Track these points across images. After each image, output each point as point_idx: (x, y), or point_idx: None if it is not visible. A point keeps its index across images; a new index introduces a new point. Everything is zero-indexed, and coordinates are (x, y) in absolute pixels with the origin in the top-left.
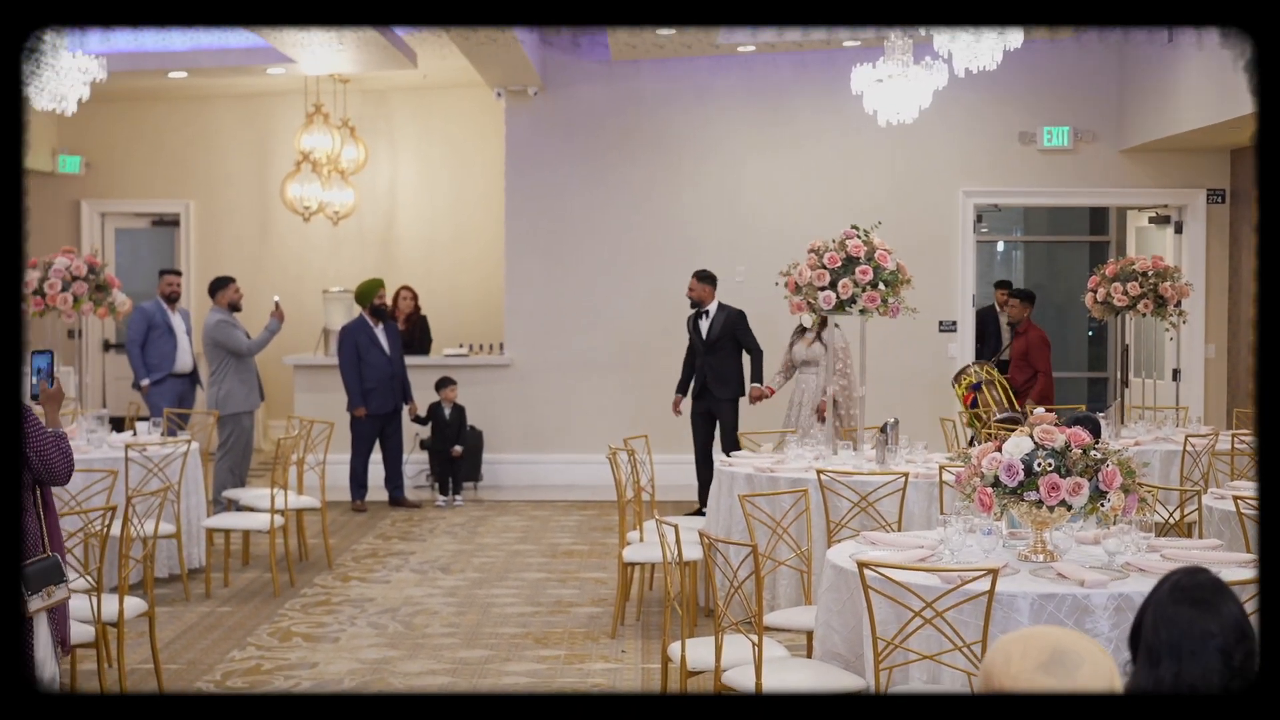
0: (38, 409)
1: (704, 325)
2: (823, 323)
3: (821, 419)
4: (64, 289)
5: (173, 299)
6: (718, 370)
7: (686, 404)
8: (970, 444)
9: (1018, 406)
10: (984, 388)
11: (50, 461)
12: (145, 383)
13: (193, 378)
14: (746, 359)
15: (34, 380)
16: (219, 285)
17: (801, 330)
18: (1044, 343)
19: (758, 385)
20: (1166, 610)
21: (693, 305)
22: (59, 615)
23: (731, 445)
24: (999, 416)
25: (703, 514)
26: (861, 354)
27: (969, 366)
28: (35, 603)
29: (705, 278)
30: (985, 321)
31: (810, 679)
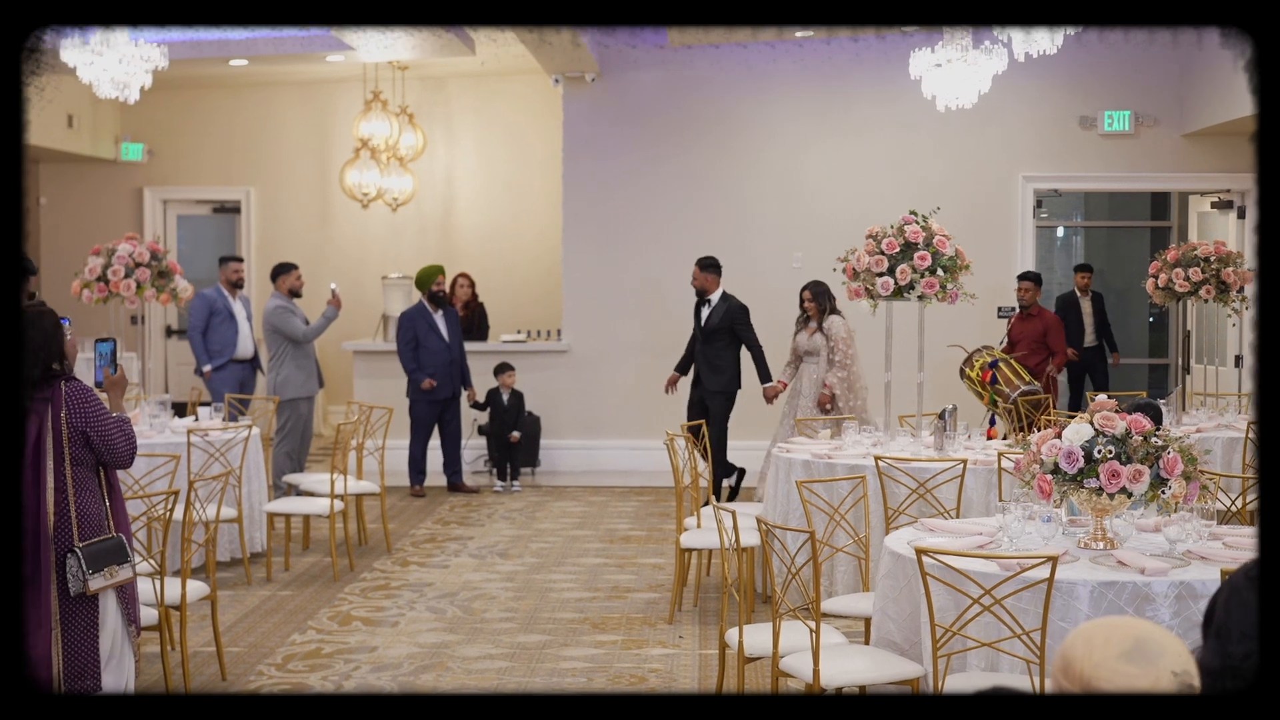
0: (102, 394)
1: (704, 313)
2: (821, 313)
3: (824, 410)
4: (127, 275)
5: (237, 285)
6: (712, 361)
7: (684, 389)
8: (991, 422)
9: (1035, 380)
10: (1000, 365)
11: (113, 445)
12: (207, 369)
13: (253, 363)
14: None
15: (98, 367)
16: (280, 271)
17: (805, 320)
18: (1060, 324)
19: (769, 384)
20: (1242, 595)
21: (699, 295)
22: (129, 595)
23: (719, 440)
24: (1022, 389)
25: (735, 483)
26: (920, 340)
27: (975, 352)
28: (97, 581)
29: (708, 265)
30: (1066, 308)
31: (868, 666)
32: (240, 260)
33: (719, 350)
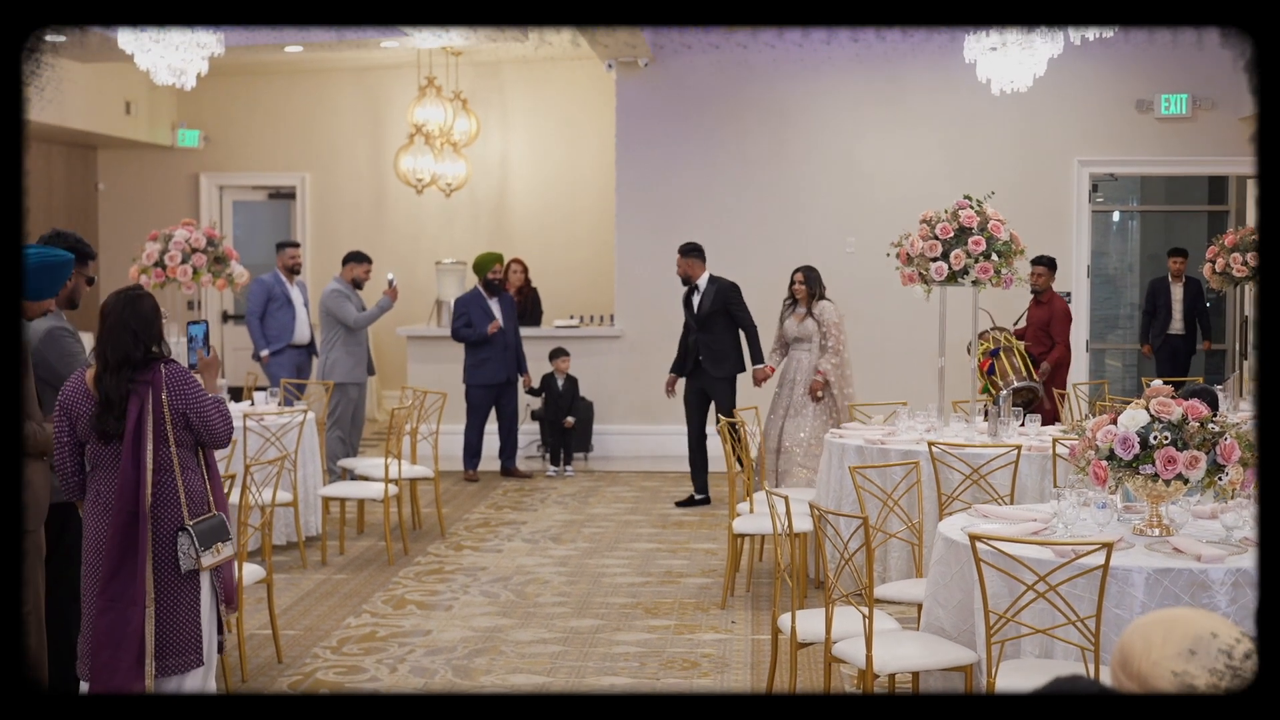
0: (197, 376)
1: (695, 301)
2: (811, 298)
3: (816, 398)
4: (184, 261)
5: (294, 271)
6: (712, 347)
7: (680, 385)
8: (984, 411)
9: (1035, 376)
10: (1002, 354)
11: (212, 425)
12: (265, 354)
13: (310, 349)
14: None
15: (190, 349)
16: (351, 259)
17: (792, 305)
18: (1067, 315)
19: (760, 366)
20: None
21: (684, 282)
22: (224, 573)
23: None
24: (1015, 385)
25: (696, 502)
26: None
27: (989, 331)
28: (208, 558)
29: (690, 251)
30: (1156, 293)
31: (921, 652)
32: (297, 245)
33: (718, 335)
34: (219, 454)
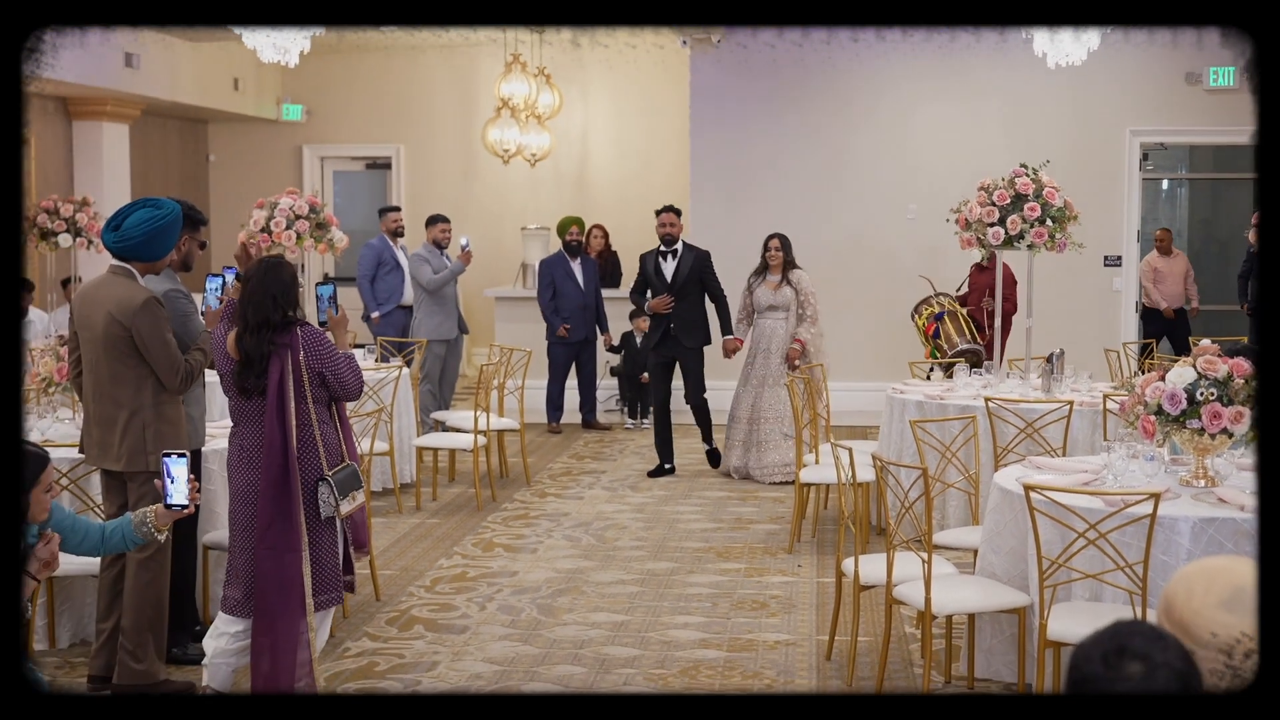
0: (328, 334)
1: (669, 267)
2: (786, 265)
3: (793, 367)
4: (288, 227)
5: (398, 234)
6: (685, 317)
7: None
8: (930, 372)
9: (979, 339)
10: (946, 319)
11: (345, 381)
12: (375, 315)
13: (414, 309)
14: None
15: (320, 309)
16: (429, 222)
17: (763, 273)
18: (1013, 278)
19: (730, 337)
20: None
21: (667, 243)
22: (357, 520)
23: (699, 395)
24: (961, 347)
25: (665, 471)
26: (1029, 288)
27: (931, 297)
28: (345, 505)
29: (676, 210)
30: (1251, 257)
31: (977, 595)
32: (398, 210)
33: (691, 304)
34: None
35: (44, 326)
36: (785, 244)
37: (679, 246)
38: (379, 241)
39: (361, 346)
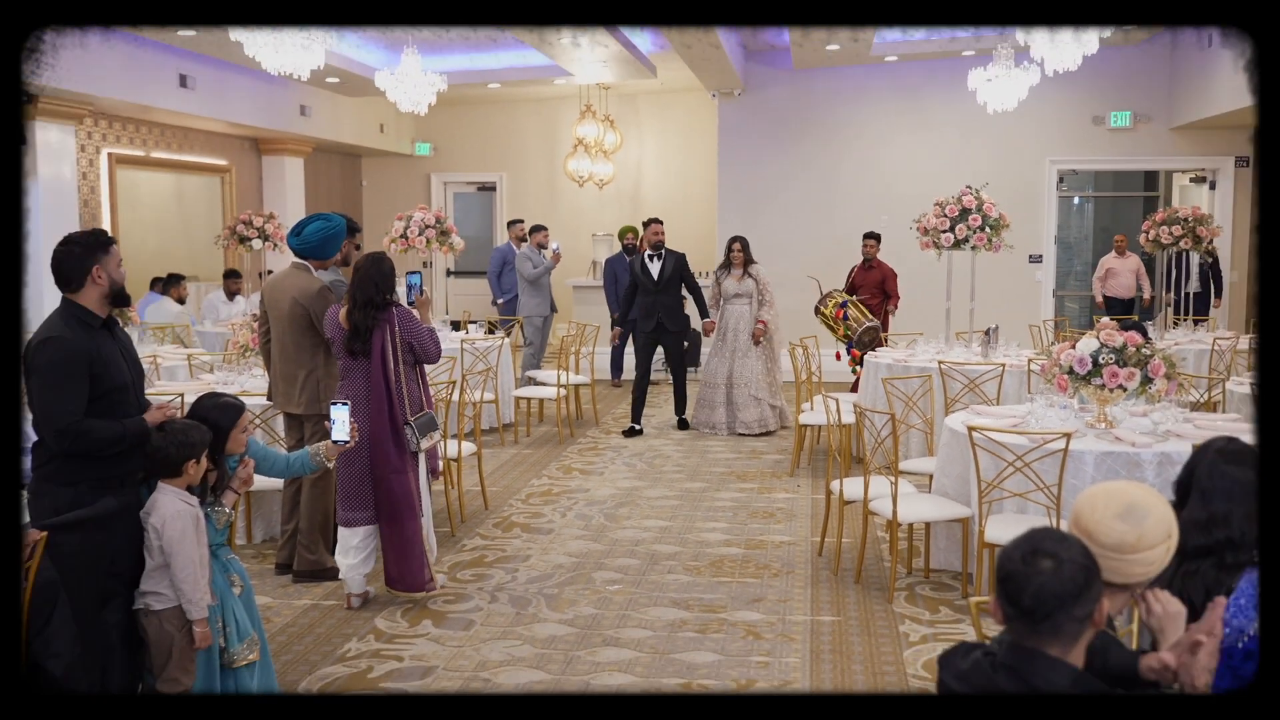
0: (415, 312)
1: (655, 267)
2: (747, 261)
3: (757, 343)
4: (420, 234)
5: (523, 239)
6: (670, 308)
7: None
8: (848, 349)
9: (874, 317)
10: (850, 305)
11: (427, 349)
12: (500, 301)
13: (519, 294)
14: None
15: (409, 289)
16: (532, 230)
17: (727, 268)
18: (894, 274)
19: (708, 320)
20: (1219, 466)
21: (656, 249)
22: (432, 452)
23: (681, 368)
24: (868, 324)
25: (635, 432)
26: (972, 280)
27: (829, 293)
28: (425, 443)
29: (661, 222)
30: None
31: (932, 509)
32: (521, 222)
33: (673, 297)
34: (431, 368)
35: (244, 307)
36: (745, 245)
37: (663, 250)
38: (505, 246)
39: (474, 322)
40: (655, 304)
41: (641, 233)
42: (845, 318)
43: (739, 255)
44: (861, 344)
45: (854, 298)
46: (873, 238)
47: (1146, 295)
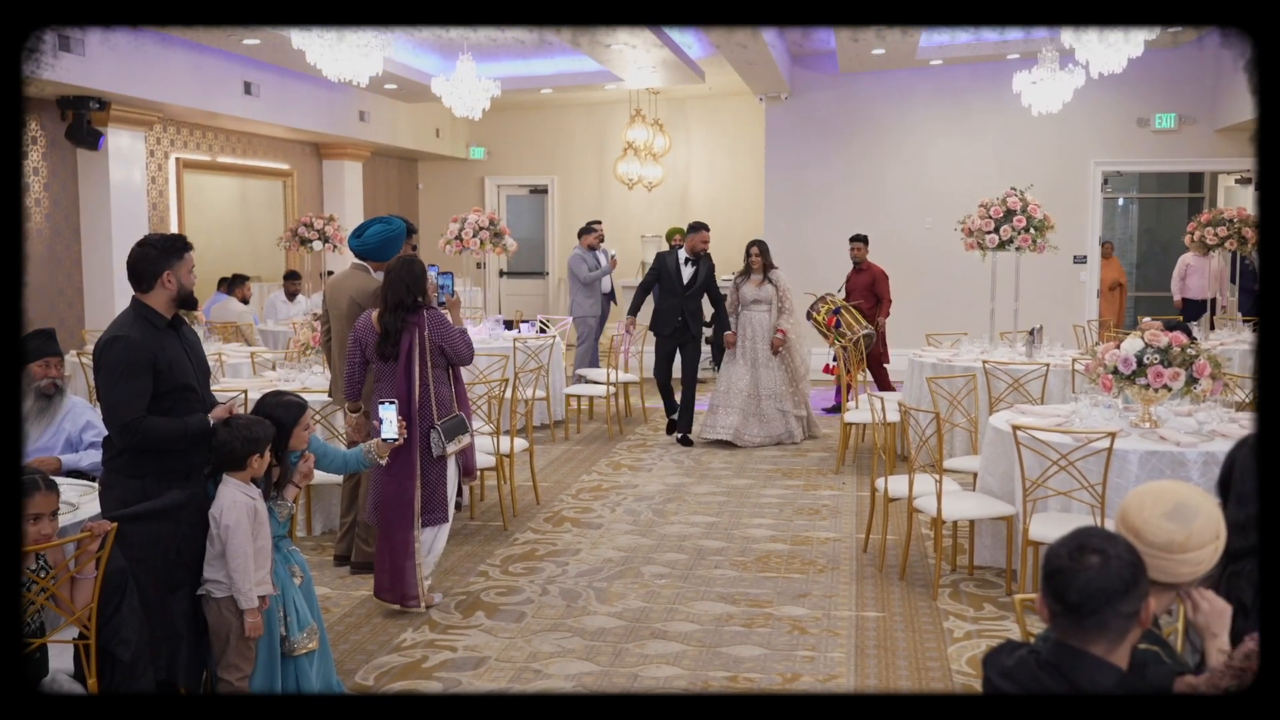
0: (445, 312)
1: (688, 272)
2: (766, 267)
3: (775, 352)
4: (474, 235)
5: (601, 239)
6: (695, 313)
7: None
8: (834, 359)
9: (870, 323)
10: (843, 311)
11: (458, 351)
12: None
13: (610, 296)
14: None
15: (441, 289)
16: (582, 231)
17: (746, 272)
18: (885, 276)
19: (729, 333)
20: (1251, 466)
21: (695, 254)
22: (467, 453)
23: (694, 377)
24: (864, 331)
25: (675, 424)
26: (1017, 280)
27: (821, 298)
28: (451, 447)
29: (705, 227)
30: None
31: (976, 506)
32: (598, 224)
33: (699, 303)
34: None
35: (304, 307)
36: (764, 249)
37: (699, 257)
38: (580, 253)
39: (527, 321)
40: (680, 308)
41: (688, 235)
42: (838, 325)
43: (758, 260)
44: (857, 351)
45: (848, 303)
46: (860, 240)
47: (1223, 300)
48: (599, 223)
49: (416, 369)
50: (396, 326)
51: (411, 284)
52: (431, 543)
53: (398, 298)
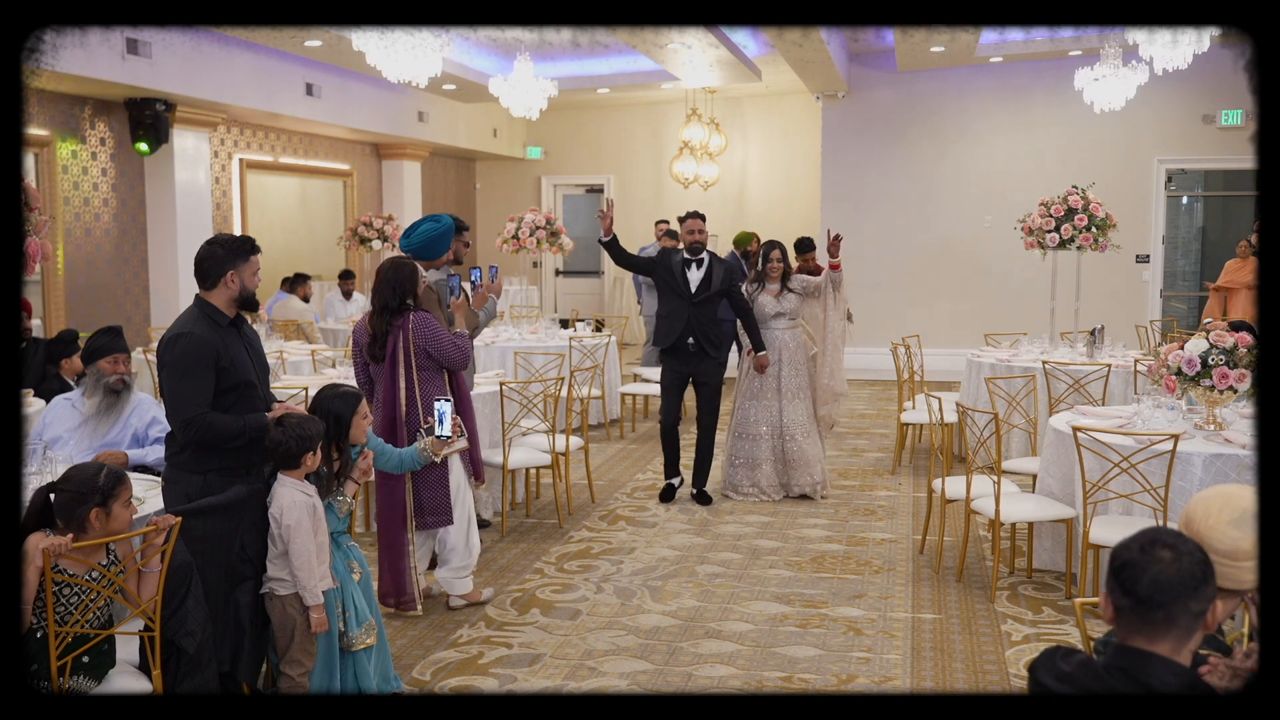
0: (455, 313)
1: (695, 275)
2: (785, 273)
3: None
4: (531, 234)
5: (671, 234)
6: (707, 330)
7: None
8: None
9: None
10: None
11: (448, 356)
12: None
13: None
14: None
15: (474, 285)
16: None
17: (760, 282)
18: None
19: (763, 353)
20: None
21: (694, 251)
22: (474, 455)
23: (714, 415)
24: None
25: (673, 489)
26: (1078, 279)
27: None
28: (440, 452)
29: (702, 215)
30: None
31: (1035, 509)
32: (666, 221)
33: (715, 317)
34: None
35: (361, 304)
36: (785, 254)
37: (705, 255)
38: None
39: (582, 320)
40: (689, 319)
41: (686, 229)
42: None
43: (778, 268)
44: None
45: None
46: (806, 246)
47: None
48: (665, 221)
49: (401, 371)
50: (383, 329)
51: (398, 286)
52: (422, 546)
53: (383, 300)
